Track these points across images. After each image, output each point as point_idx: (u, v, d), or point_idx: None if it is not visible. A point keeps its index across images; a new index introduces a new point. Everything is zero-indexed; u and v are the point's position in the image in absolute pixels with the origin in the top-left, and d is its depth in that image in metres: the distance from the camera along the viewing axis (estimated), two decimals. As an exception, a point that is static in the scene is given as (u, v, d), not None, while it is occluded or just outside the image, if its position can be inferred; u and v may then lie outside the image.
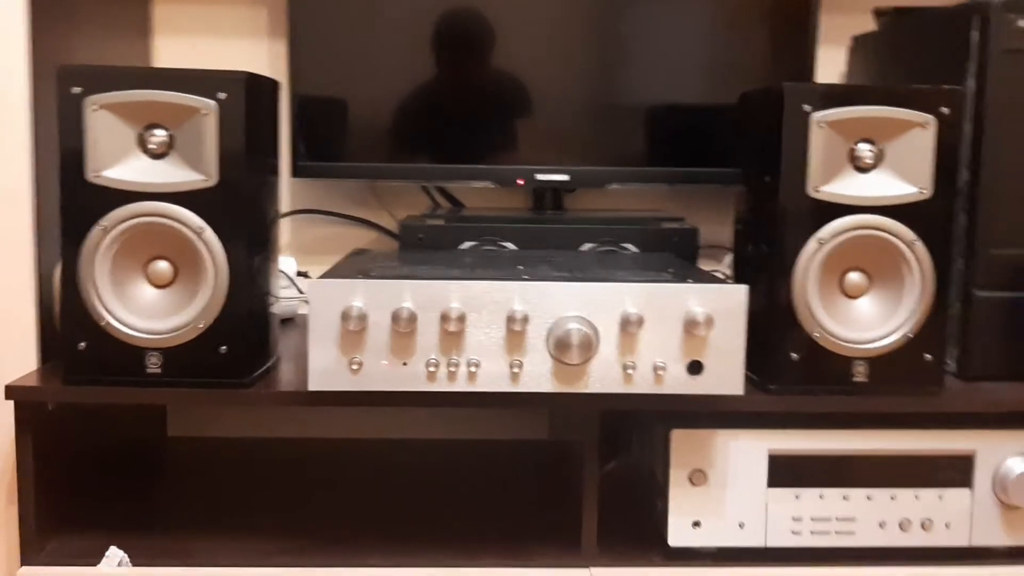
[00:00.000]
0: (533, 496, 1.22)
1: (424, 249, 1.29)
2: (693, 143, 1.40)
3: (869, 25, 1.39)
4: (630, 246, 1.32)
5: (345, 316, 0.93)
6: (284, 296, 1.31)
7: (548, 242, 1.32)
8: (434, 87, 1.37)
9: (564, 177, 1.39)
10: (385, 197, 1.49)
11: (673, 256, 1.25)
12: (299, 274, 1.43)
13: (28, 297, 1.05)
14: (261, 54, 1.45)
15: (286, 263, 1.38)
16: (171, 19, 1.43)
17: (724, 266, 1.45)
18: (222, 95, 0.96)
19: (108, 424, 1.21)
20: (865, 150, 1.00)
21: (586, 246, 1.32)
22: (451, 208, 1.49)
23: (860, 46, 1.42)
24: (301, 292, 1.42)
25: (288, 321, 1.35)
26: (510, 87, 1.37)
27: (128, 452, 1.30)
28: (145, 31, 1.41)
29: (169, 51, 1.43)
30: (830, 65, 1.46)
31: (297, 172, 1.36)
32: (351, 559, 1.03)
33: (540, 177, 1.38)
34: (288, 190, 1.46)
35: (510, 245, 1.32)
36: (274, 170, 1.10)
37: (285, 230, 1.47)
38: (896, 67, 1.30)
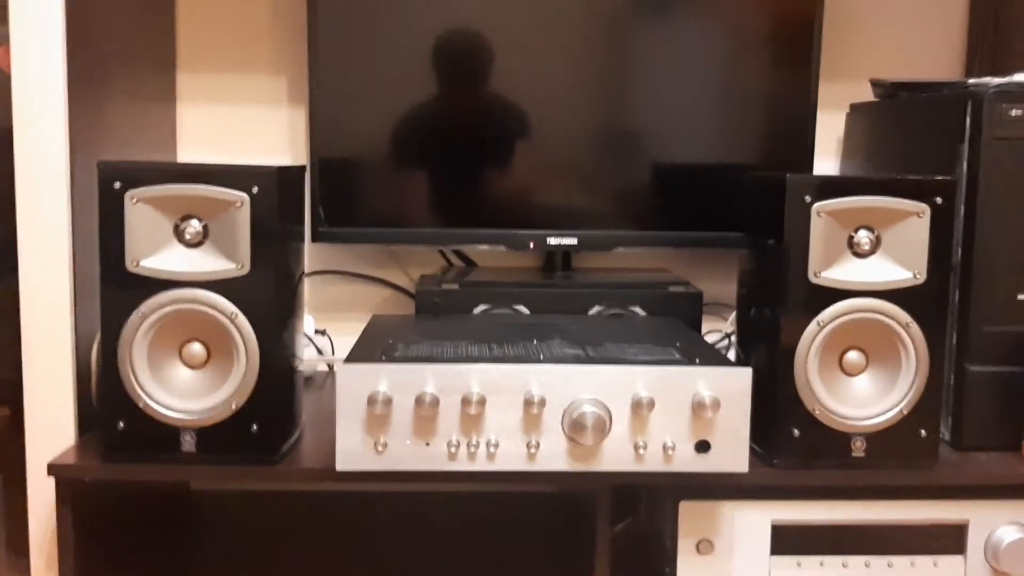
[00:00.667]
0: (547, 550, 1.28)
1: (439, 313, 1.35)
2: (696, 207, 1.45)
3: (867, 94, 1.44)
4: (637, 309, 1.38)
5: (371, 400, 0.99)
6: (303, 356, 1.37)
7: (558, 305, 1.37)
8: (449, 156, 1.42)
9: (573, 241, 1.44)
10: (401, 256, 1.54)
11: (679, 322, 1.30)
12: (317, 332, 1.48)
13: (67, 373, 1.10)
14: (281, 120, 1.50)
15: (305, 322, 1.43)
16: (194, 87, 1.48)
17: (728, 324, 1.50)
18: (255, 189, 1.01)
19: (134, 486, 1.26)
20: (863, 237, 1.06)
21: (595, 309, 1.37)
22: (463, 268, 1.54)
23: (857, 113, 1.47)
24: (320, 352, 1.47)
25: (307, 379, 1.41)
26: (522, 157, 1.43)
27: (155, 506, 1.35)
28: (171, 98, 1.46)
29: (192, 117, 1.49)
30: (830, 128, 1.52)
31: (317, 238, 1.41)
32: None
33: (551, 241, 1.44)
34: (307, 251, 1.51)
35: (522, 308, 1.37)
36: (300, 242, 1.15)
37: (303, 289, 1.53)
38: (890, 139, 1.35)
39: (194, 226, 1.02)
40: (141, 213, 1.01)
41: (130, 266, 1.01)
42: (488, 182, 1.44)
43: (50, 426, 1.10)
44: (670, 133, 1.44)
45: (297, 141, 1.50)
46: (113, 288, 1.01)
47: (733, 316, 1.46)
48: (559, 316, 1.33)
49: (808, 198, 1.04)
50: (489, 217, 1.44)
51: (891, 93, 1.37)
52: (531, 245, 1.44)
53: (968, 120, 1.13)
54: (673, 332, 1.21)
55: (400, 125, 1.41)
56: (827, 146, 1.52)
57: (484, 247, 1.50)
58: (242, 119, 1.49)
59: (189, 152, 1.49)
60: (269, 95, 1.49)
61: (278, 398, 1.05)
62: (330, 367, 1.49)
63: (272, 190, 1.02)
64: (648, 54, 1.42)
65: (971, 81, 1.22)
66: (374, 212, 1.43)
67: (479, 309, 1.36)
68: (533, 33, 1.40)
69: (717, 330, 1.49)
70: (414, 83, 1.40)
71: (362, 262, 1.54)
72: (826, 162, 1.52)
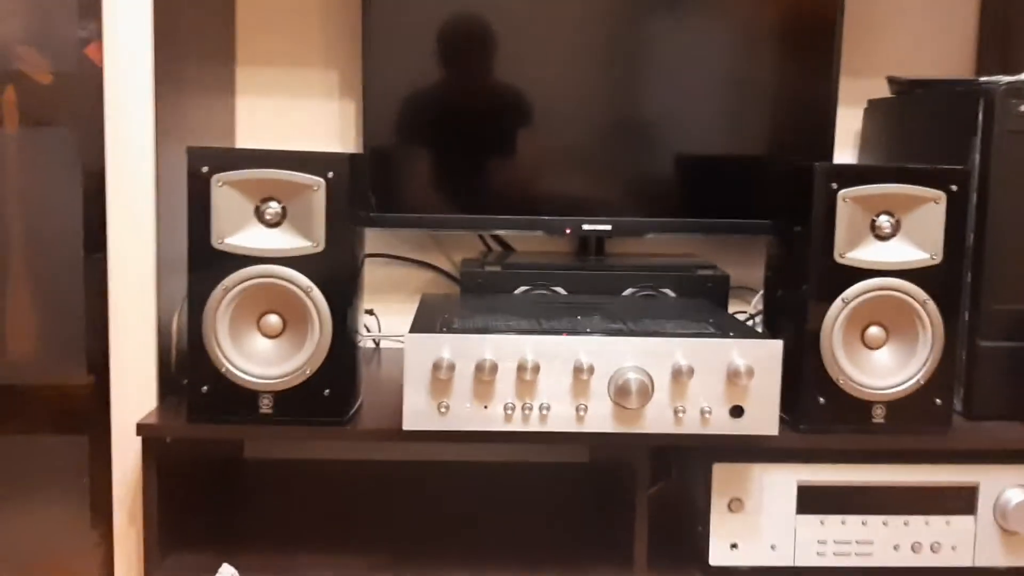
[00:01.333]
0: (584, 517, 1.37)
1: (483, 293, 1.44)
2: (722, 196, 1.54)
3: (884, 90, 1.53)
4: (668, 291, 1.47)
5: (436, 366, 1.08)
6: (358, 334, 1.46)
7: (593, 287, 1.47)
8: (490, 148, 1.52)
9: (607, 227, 1.53)
10: (443, 241, 1.64)
11: (708, 302, 1.40)
12: (366, 311, 1.58)
13: (150, 343, 1.20)
14: (332, 112, 1.60)
15: (355, 302, 1.53)
16: (253, 80, 1.58)
17: (752, 307, 1.59)
18: (330, 174, 1.11)
19: (199, 450, 1.36)
20: (884, 221, 1.15)
21: (628, 290, 1.47)
22: (502, 252, 1.64)
23: (874, 109, 1.57)
24: (368, 330, 1.57)
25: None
26: (558, 149, 1.52)
27: (214, 475, 1.45)
28: (231, 91, 1.56)
29: (251, 109, 1.58)
30: (850, 122, 1.61)
31: (370, 223, 1.50)
32: (434, 572, 1.18)
33: (585, 227, 1.53)
34: (355, 235, 1.61)
35: (560, 289, 1.47)
36: (364, 224, 1.25)
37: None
38: (907, 133, 1.45)
39: (273, 207, 1.12)
40: (226, 195, 1.11)
41: (215, 243, 1.11)
42: (527, 172, 1.53)
43: (134, 391, 1.19)
44: (697, 126, 1.53)
45: (347, 132, 1.60)
46: (199, 264, 1.11)
47: (757, 298, 1.56)
48: (596, 296, 1.43)
49: (835, 185, 1.14)
50: (528, 205, 1.53)
51: (907, 90, 1.47)
52: (567, 231, 1.53)
53: (980, 115, 1.22)
54: (704, 310, 1.31)
55: (445, 118, 1.50)
56: (846, 139, 1.62)
57: (525, 233, 1.60)
58: (296, 111, 1.59)
59: (246, 141, 1.58)
60: (321, 88, 1.59)
61: (346, 366, 1.15)
62: (376, 344, 1.59)
63: (345, 175, 1.11)
64: (679, 51, 1.51)
65: (983, 79, 1.31)
66: (420, 199, 1.52)
67: (520, 290, 1.46)
68: (571, 32, 1.50)
69: (743, 311, 1.59)
70: (459, 78, 1.49)
71: (406, 246, 1.64)
72: (845, 155, 1.62)
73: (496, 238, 1.64)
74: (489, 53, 1.50)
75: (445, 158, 1.52)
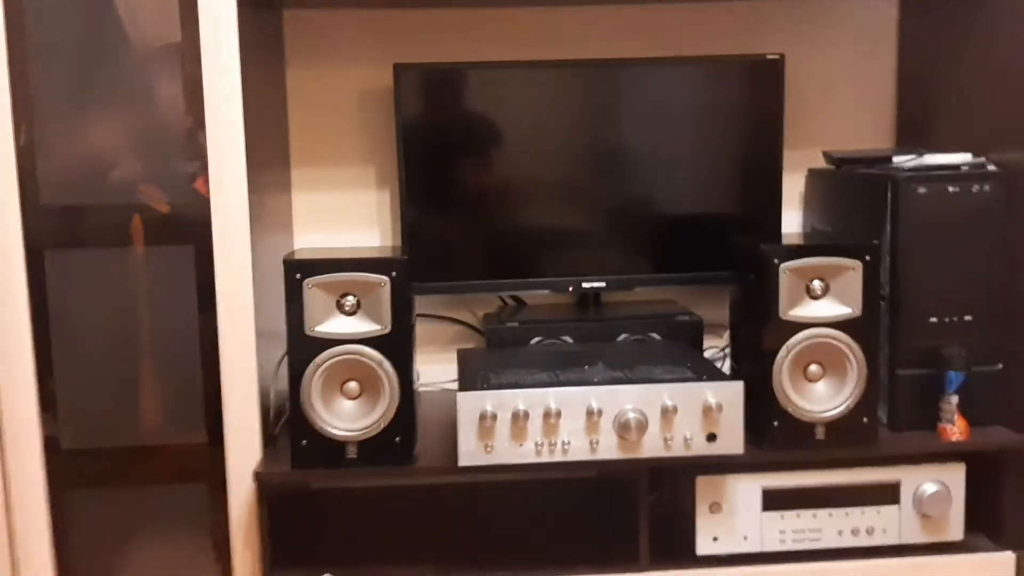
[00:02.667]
0: (598, 522, 1.72)
1: (504, 344, 1.79)
2: (694, 251, 1.88)
3: (821, 162, 1.89)
4: (654, 334, 1.82)
5: (482, 416, 1.43)
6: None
7: (594, 334, 1.81)
8: (506, 224, 1.86)
9: (602, 284, 1.88)
10: (468, 299, 1.98)
11: (686, 344, 1.75)
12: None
13: (254, 406, 1.53)
14: (371, 200, 1.93)
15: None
16: (304, 178, 1.92)
17: (723, 340, 1.94)
18: (393, 273, 1.45)
19: (288, 487, 1.70)
20: (816, 285, 1.51)
21: (622, 336, 1.81)
22: (515, 306, 1.98)
23: (813, 177, 1.92)
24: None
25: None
26: (560, 222, 1.86)
27: (298, 505, 1.78)
28: (288, 188, 1.89)
29: (304, 202, 1.92)
30: (796, 185, 1.96)
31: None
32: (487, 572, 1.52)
33: (584, 284, 1.88)
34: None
35: (567, 338, 1.81)
36: (413, 304, 1.59)
37: (393, 329, 1.96)
38: (838, 201, 1.80)
39: (350, 301, 1.46)
40: (314, 294, 1.45)
41: (308, 331, 1.45)
42: (535, 242, 1.87)
43: (243, 445, 1.53)
44: (672, 196, 1.87)
45: (383, 217, 1.94)
46: (296, 347, 1.45)
47: (727, 335, 1.91)
48: (596, 344, 1.77)
49: (777, 260, 1.49)
50: (536, 268, 1.87)
51: (838, 164, 1.82)
52: (570, 288, 1.88)
53: (889, 195, 1.57)
54: (684, 354, 1.66)
55: (467, 202, 1.84)
56: (793, 200, 1.96)
57: (535, 292, 1.94)
58: (341, 201, 1.93)
59: (301, 229, 1.92)
60: (361, 182, 1.93)
61: (410, 418, 1.49)
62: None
63: (404, 274, 1.46)
64: (654, 139, 1.85)
65: (895, 160, 1.66)
66: (450, 268, 1.86)
67: (535, 340, 1.81)
68: (567, 131, 1.84)
69: (715, 346, 1.94)
70: (477, 170, 1.83)
71: (435, 304, 1.97)
72: (793, 213, 1.97)
73: (511, 295, 1.99)
74: (500, 149, 1.84)
75: (469, 234, 1.85)
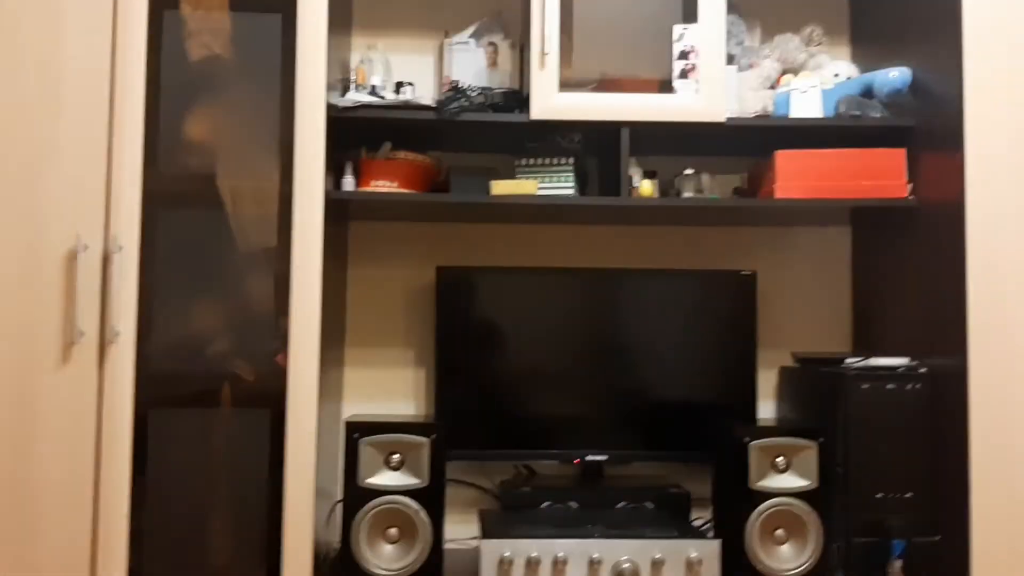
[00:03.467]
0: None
1: (519, 507, 2.08)
2: (684, 433, 2.21)
3: (790, 360, 2.25)
4: (648, 504, 2.11)
5: (502, 562, 1.72)
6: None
7: (597, 501, 2.11)
8: (522, 406, 2.20)
9: (604, 457, 2.19)
10: (485, 467, 2.28)
11: (676, 513, 2.04)
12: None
13: (308, 550, 1.81)
14: (409, 377, 2.29)
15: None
16: (355, 356, 2.28)
17: (708, 514, 2.23)
18: (432, 435, 1.78)
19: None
20: (780, 460, 1.83)
21: (620, 504, 2.11)
22: (528, 475, 2.28)
23: (783, 373, 2.28)
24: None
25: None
26: (569, 407, 2.20)
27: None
28: (342, 364, 2.25)
29: (354, 377, 2.27)
30: (771, 379, 2.31)
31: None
32: None
33: (589, 457, 2.19)
34: (424, 464, 2.25)
35: (573, 503, 2.11)
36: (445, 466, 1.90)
37: (421, 490, 2.26)
38: (803, 393, 2.15)
39: (396, 458, 1.78)
40: (367, 451, 1.77)
41: (360, 482, 1.76)
42: (545, 421, 2.20)
43: (297, 581, 1.81)
44: (664, 385, 2.22)
45: (419, 391, 2.28)
46: (350, 495, 1.76)
47: (711, 509, 2.20)
48: (598, 510, 2.06)
49: (747, 439, 1.82)
50: (547, 442, 2.19)
51: (803, 363, 2.18)
52: (576, 460, 2.19)
53: (840, 389, 1.92)
54: (672, 519, 1.95)
55: (490, 385, 2.19)
56: (768, 391, 2.31)
57: (545, 462, 2.25)
58: (385, 376, 2.28)
59: (351, 396, 2.26)
60: (403, 361, 2.29)
61: (439, 562, 1.77)
62: (439, 544, 2.20)
63: (441, 436, 1.79)
64: (649, 340, 2.22)
65: (847, 361, 2.02)
66: (475, 439, 2.18)
67: (545, 504, 2.10)
68: (573, 330, 2.21)
69: (700, 517, 2.22)
70: (499, 359, 2.19)
71: (456, 473, 2.28)
72: (768, 403, 2.30)
73: (524, 465, 2.29)
74: (520, 340, 2.21)
75: (491, 410, 2.19)
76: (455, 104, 1.98)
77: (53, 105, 1.81)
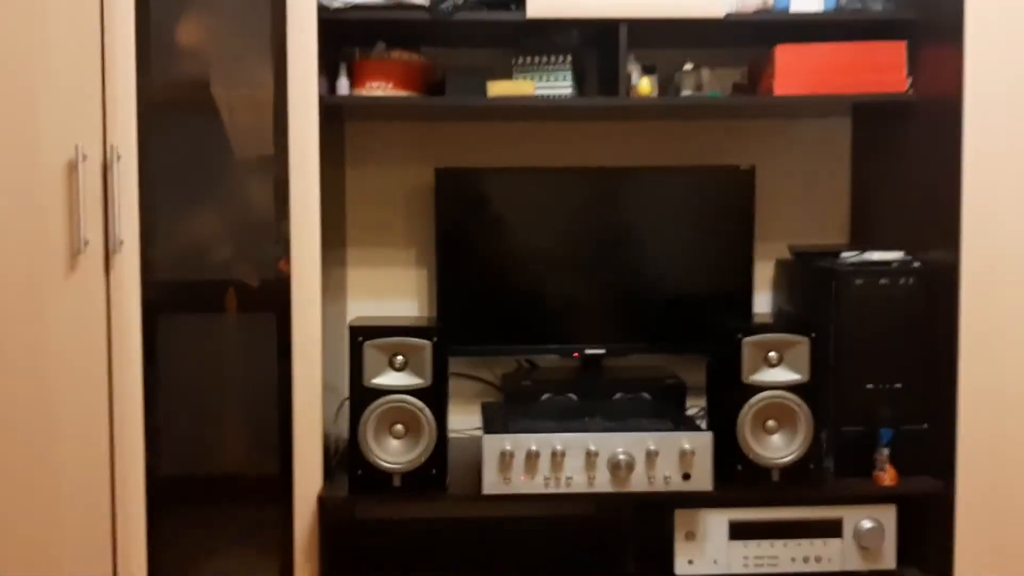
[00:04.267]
0: (596, 550, 2.06)
1: (521, 399, 2.15)
2: (680, 326, 2.25)
3: (787, 252, 2.27)
4: (645, 394, 2.18)
5: (502, 454, 1.79)
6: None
7: (595, 392, 2.17)
8: (524, 301, 2.24)
9: (602, 350, 2.25)
10: (489, 362, 2.35)
11: (671, 403, 2.11)
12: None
13: (317, 444, 1.89)
14: (411, 276, 2.33)
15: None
16: (358, 256, 2.32)
17: (703, 400, 2.30)
18: (434, 338, 1.83)
19: (341, 513, 2.05)
20: (772, 355, 1.88)
21: (617, 395, 2.18)
22: (529, 368, 2.35)
23: (779, 267, 2.31)
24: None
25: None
26: (569, 300, 2.25)
27: (349, 527, 2.13)
28: (344, 264, 2.29)
29: (357, 277, 2.31)
30: (767, 271, 2.34)
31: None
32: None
33: (587, 351, 2.25)
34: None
35: (572, 395, 2.17)
36: (448, 364, 1.96)
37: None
38: (798, 286, 2.18)
39: (400, 359, 1.84)
40: (371, 353, 1.83)
41: (365, 382, 1.82)
42: (547, 316, 2.25)
43: (309, 475, 1.89)
44: (662, 279, 2.25)
45: (421, 290, 2.33)
46: (356, 395, 1.82)
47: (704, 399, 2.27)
48: (596, 401, 2.13)
49: (740, 335, 1.87)
50: (548, 337, 2.25)
51: (798, 256, 2.20)
52: (575, 355, 2.25)
53: (833, 284, 1.95)
54: (667, 410, 2.02)
55: (492, 282, 2.23)
56: (765, 284, 2.34)
57: (546, 356, 2.31)
58: (387, 276, 2.32)
59: (356, 297, 2.31)
60: (404, 260, 2.32)
61: (444, 455, 1.85)
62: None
63: (442, 339, 1.84)
64: (648, 232, 2.24)
65: (842, 255, 2.04)
66: (476, 336, 2.23)
67: (545, 396, 2.17)
68: (577, 225, 2.23)
69: (696, 405, 2.29)
70: (500, 255, 2.22)
71: (461, 366, 2.34)
72: (764, 295, 2.34)
73: (526, 359, 2.36)
74: (520, 238, 2.23)
75: (492, 307, 2.23)
76: (449, 2, 1.94)
77: (43, 17, 1.78)
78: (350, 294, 2.33)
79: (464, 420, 2.30)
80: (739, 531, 1.89)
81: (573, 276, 2.25)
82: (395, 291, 2.33)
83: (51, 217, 1.81)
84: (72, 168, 1.80)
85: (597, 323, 2.26)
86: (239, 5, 1.88)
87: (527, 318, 2.25)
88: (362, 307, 2.32)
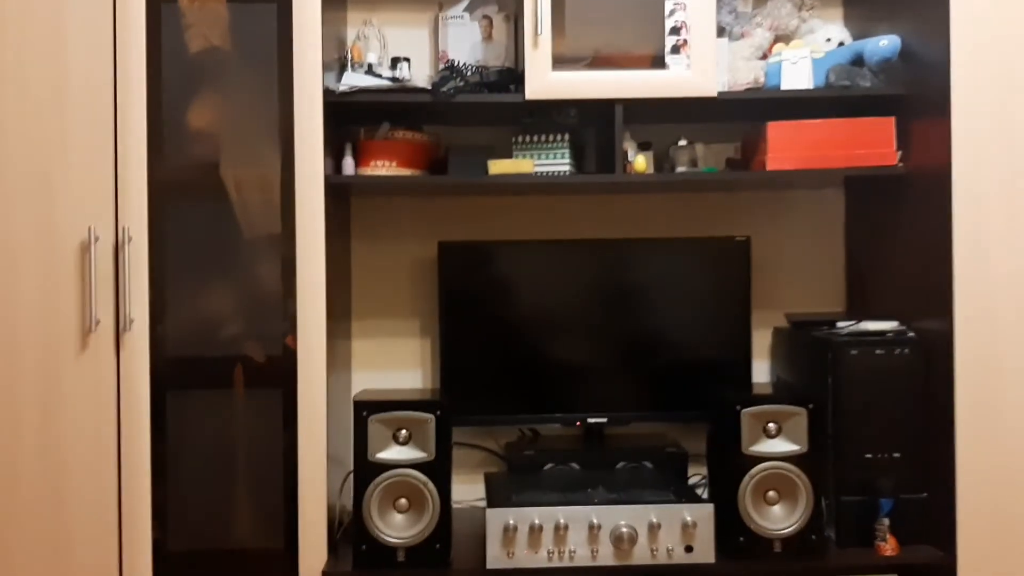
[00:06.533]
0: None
1: (524, 469, 2.17)
2: (681, 395, 2.28)
3: (784, 321, 2.31)
4: (647, 463, 2.20)
5: (506, 528, 1.81)
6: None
7: (597, 462, 2.19)
8: (526, 371, 2.27)
9: (604, 419, 2.27)
10: (493, 431, 2.37)
11: (673, 472, 2.12)
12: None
13: (322, 520, 1.91)
14: (415, 347, 2.36)
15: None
16: (362, 328, 2.35)
17: (704, 467, 2.31)
18: (437, 412, 1.85)
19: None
20: (771, 426, 1.90)
21: (620, 464, 2.20)
22: (532, 437, 2.37)
23: (777, 335, 2.34)
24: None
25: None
26: (570, 370, 2.28)
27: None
28: (348, 335, 2.32)
29: (361, 348, 2.35)
30: (764, 340, 2.37)
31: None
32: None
33: (590, 420, 2.27)
34: (432, 429, 2.34)
35: (575, 464, 2.19)
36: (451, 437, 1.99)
37: (430, 454, 2.35)
38: (795, 355, 2.21)
39: (404, 433, 1.87)
40: (376, 427, 1.85)
41: (370, 457, 1.85)
42: (549, 386, 2.27)
43: (313, 550, 1.90)
44: (661, 348, 2.28)
45: (426, 361, 2.36)
46: (361, 469, 1.85)
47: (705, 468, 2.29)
48: (598, 471, 2.15)
49: (739, 407, 1.89)
50: (550, 407, 2.27)
51: (795, 325, 2.24)
52: (577, 423, 2.27)
53: (830, 354, 1.98)
54: (669, 480, 2.04)
55: (496, 354, 2.26)
56: (763, 352, 2.37)
57: (549, 426, 2.33)
58: (391, 347, 2.35)
59: (359, 367, 2.34)
60: (408, 331, 2.36)
61: (448, 529, 1.87)
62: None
63: (446, 413, 1.86)
64: (646, 302, 2.27)
65: (838, 325, 2.08)
66: (480, 406, 2.26)
67: (548, 466, 2.19)
68: (579, 295, 2.27)
69: (698, 473, 2.31)
70: (503, 326, 2.26)
71: (465, 435, 2.36)
72: (762, 363, 2.37)
73: (529, 428, 2.38)
74: (522, 310, 2.27)
75: (495, 376, 2.26)
76: (450, 84, 2.01)
77: (59, 105, 1.86)
78: (355, 365, 2.36)
79: (467, 490, 2.32)
80: (742, 602, 1.90)
81: (574, 346, 2.28)
82: (399, 362, 2.36)
83: (64, 297, 1.86)
84: (85, 249, 1.86)
85: (598, 392, 2.29)
86: (248, 89, 1.94)
87: (530, 388, 2.28)
88: (367, 377, 2.35)
